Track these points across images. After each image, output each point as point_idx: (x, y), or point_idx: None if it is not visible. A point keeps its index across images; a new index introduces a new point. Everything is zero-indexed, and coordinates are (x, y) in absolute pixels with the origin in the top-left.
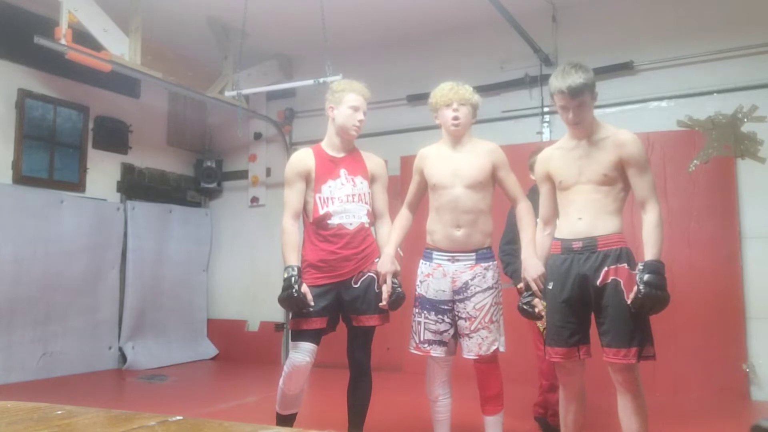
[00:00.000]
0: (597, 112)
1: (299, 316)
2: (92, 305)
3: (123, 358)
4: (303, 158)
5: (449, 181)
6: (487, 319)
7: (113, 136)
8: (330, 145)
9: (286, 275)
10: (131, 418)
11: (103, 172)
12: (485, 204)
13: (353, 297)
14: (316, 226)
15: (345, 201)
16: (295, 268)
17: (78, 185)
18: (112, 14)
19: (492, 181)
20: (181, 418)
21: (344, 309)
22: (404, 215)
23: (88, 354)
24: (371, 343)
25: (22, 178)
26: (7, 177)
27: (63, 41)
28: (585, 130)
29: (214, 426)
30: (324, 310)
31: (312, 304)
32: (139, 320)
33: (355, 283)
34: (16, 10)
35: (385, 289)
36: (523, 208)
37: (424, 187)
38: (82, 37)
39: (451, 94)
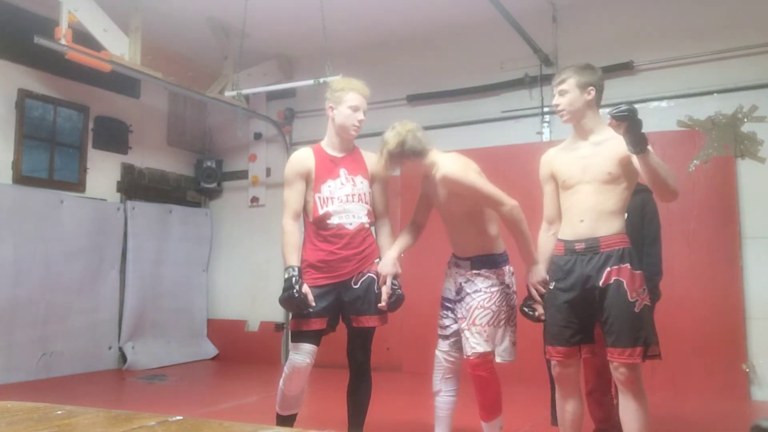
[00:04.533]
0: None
1: (299, 317)
2: (92, 305)
3: (123, 358)
4: (303, 158)
5: (443, 204)
6: (470, 321)
7: (113, 136)
8: (330, 144)
9: (286, 276)
10: (131, 418)
11: (103, 172)
12: (477, 213)
13: (353, 298)
14: (316, 226)
15: (345, 201)
16: (296, 269)
17: (78, 185)
18: (112, 14)
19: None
20: (181, 418)
21: (344, 310)
22: (410, 227)
23: (88, 354)
24: (371, 344)
25: (22, 178)
26: (7, 177)
27: (63, 41)
28: (581, 127)
29: (214, 426)
30: (324, 310)
31: (313, 304)
32: (139, 320)
33: (355, 283)
34: (16, 10)
35: (385, 291)
36: (507, 212)
37: (426, 206)
38: (82, 37)
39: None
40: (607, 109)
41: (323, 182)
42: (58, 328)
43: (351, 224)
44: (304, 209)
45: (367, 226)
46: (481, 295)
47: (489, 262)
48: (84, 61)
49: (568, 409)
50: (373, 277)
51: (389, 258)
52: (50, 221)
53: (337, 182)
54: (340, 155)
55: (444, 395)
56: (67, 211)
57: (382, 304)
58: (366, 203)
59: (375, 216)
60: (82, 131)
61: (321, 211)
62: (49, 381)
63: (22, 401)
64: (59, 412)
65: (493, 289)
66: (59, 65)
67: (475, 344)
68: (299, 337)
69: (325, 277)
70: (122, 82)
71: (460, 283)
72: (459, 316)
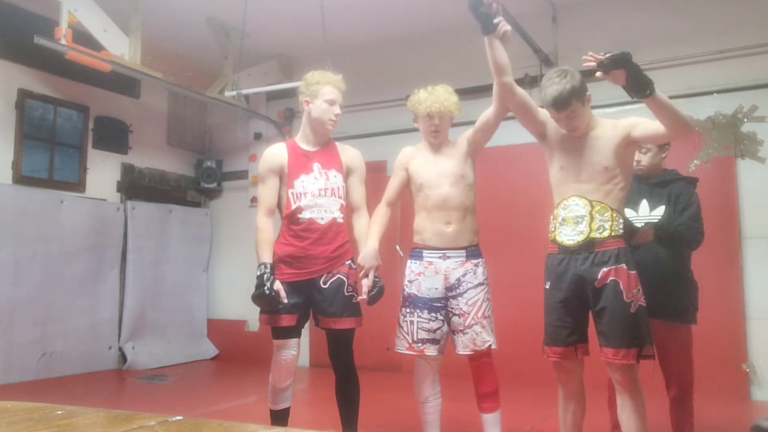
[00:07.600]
0: (597, 113)
1: (269, 313)
2: (92, 305)
3: (123, 358)
4: (276, 153)
5: (436, 181)
6: (480, 315)
7: (113, 136)
8: (304, 138)
9: (258, 273)
10: (131, 418)
11: (103, 172)
12: (470, 201)
13: (321, 298)
14: (288, 221)
15: (317, 195)
16: (268, 266)
17: (78, 185)
18: (112, 14)
19: (474, 173)
20: (181, 418)
21: (314, 310)
22: (383, 212)
23: (88, 354)
24: (352, 344)
25: (22, 178)
26: (7, 177)
27: (63, 41)
28: (583, 130)
29: (214, 426)
30: (293, 307)
31: (285, 301)
32: (139, 320)
33: (324, 283)
34: (16, 10)
35: (366, 283)
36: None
37: (406, 184)
38: (82, 37)
39: (433, 108)
40: (602, 109)
41: (296, 177)
42: (58, 328)
43: (323, 219)
44: (279, 205)
45: (340, 221)
46: (483, 288)
47: (479, 252)
48: (84, 61)
49: (570, 410)
50: (342, 279)
51: (371, 250)
52: (50, 221)
53: (311, 177)
54: (313, 149)
55: (432, 399)
56: (67, 211)
57: (363, 296)
58: (339, 197)
59: (352, 208)
60: (82, 131)
61: (293, 206)
62: (49, 381)
63: (22, 401)
64: (59, 412)
65: (487, 280)
66: (59, 65)
67: (487, 337)
68: (278, 333)
69: (294, 273)
70: (122, 82)
71: (458, 277)
72: (458, 312)
